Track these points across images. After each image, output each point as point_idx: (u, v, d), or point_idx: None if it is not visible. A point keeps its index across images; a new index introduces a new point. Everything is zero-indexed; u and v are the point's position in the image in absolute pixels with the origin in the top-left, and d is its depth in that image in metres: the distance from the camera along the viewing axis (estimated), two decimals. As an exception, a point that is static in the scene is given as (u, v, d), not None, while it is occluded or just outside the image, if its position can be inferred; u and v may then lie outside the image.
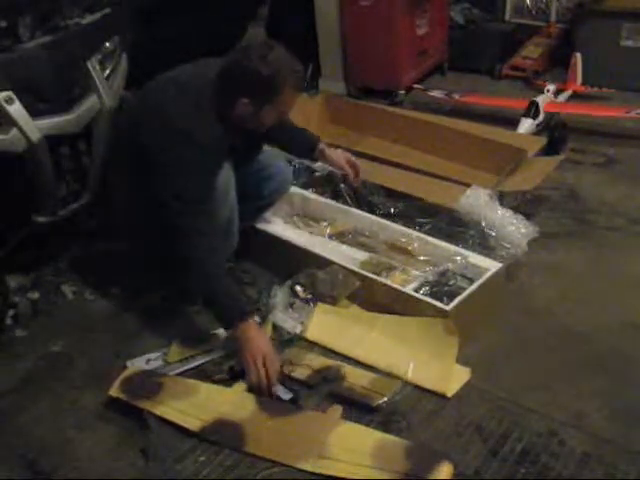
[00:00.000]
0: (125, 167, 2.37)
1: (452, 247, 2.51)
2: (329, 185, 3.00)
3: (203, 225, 2.14)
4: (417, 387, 2.08)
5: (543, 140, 3.34)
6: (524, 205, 2.88)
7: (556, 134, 3.47)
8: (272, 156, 2.65)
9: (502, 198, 2.80)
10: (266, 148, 2.60)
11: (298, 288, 2.38)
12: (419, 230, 2.67)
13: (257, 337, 2.09)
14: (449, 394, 2.06)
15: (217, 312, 2.19)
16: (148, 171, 2.20)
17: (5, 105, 2.29)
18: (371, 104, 3.85)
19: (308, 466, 1.83)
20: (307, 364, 2.17)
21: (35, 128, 2.36)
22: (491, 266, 2.38)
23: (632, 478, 1.78)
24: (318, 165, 3.00)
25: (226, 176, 2.29)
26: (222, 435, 1.94)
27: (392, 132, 3.43)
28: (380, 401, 2.01)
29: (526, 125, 3.56)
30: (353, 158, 2.62)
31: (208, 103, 2.17)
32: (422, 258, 2.50)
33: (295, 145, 2.69)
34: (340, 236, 2.68)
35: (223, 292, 2.14)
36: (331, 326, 2.32)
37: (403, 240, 2.56)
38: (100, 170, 2.66)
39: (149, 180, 2.21)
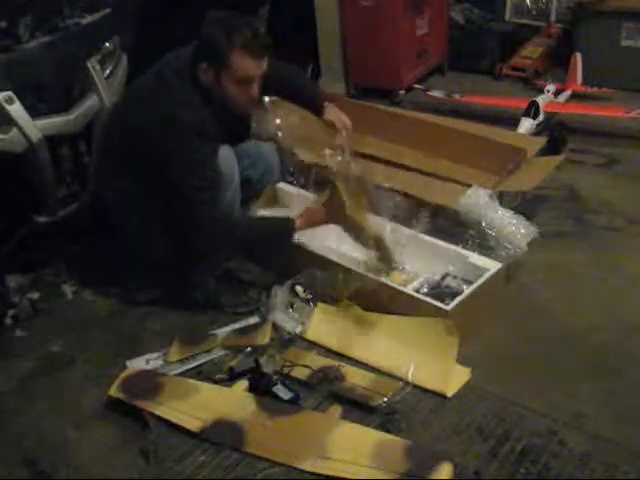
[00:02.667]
0: (121, 168, 2.38)
1: (452, 247, 2.51)
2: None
3: (218, 210, 2.26)
4: (417, 387, 2.08)
5: (543, 140, 3.34)
6: (524, 205, 2.88)
7: (556, 134, 3.47)
8: (258, 144, 2.68)
9: (502, 198, 2.79)
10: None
11: (298, 288, 2.38)
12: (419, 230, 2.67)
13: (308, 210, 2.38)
14: (449, 394, 2.06)
15: (276, 244, 2.42)
16: (148, 168, 2.25)
17: (5, 105, 2.29)
18: (371, 104, 3.85)
19: (308, 466, 1.83)
20: (307, 364, 2.17)
21: (35, 128, 2.36)
22: (491, 266, 2.38)
23: (632, 478, 1.78)
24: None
25: (229, 159, 2.33)
26: (222, 435, 1.94)
27: (392, 132, 3.42)
28: (380, 401, 2.01)
29: (526, 125, 3.55)
30: (345, 119, 2.65)
31: (185, 83, 2.25)
32: (422, 259, 2.50)
33: (299, 99, 2.72)
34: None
35: (262, 231, 2.38)
36: (331, 326, 2.32)
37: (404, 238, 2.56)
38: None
39: (149, 177, 2.26)
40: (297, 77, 2.73)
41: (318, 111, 2.63)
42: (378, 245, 2.39)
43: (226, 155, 2.32)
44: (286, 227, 2.35)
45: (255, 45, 2.20)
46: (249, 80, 2.24)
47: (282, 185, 2.88)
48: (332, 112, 2.64)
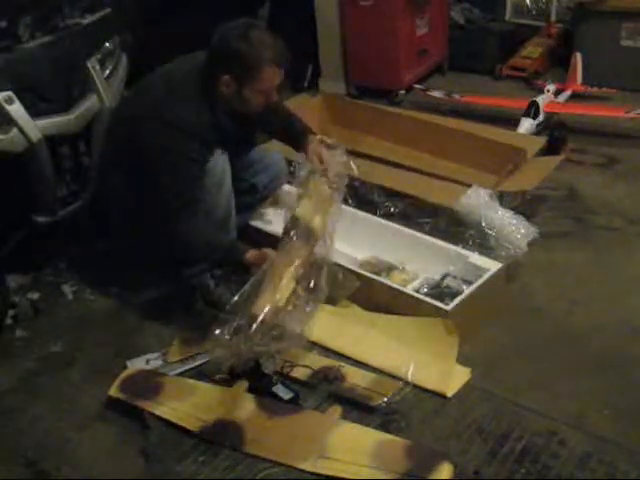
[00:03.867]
0: (120, 165, 2.39)
1: (452, 247, 2.51)
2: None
3: (199, 221, 2.24)
4: (417, 387, 2.08)
5: (543, 140, 3.35)
6: (524, 205, 2.88)
7: (556, 134, 3.47)
8: (266, 152, 2.68)
9: (502, 198, 2.80)
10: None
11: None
12: (419, 230, 2.67)
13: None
14: (449, 394, 2.06)
15: (226, 263, 2.41)
16: (142, 170, 2.26)
17: (5, 105, 2.29)
18: (371, 104, 3.85)
19: (308, 466, 1.83)
20: (307, 364, 2.17)
21: (35, 128, 2.36)
22: (491, 266, 2.38)
23: (632, 478, 1.78)
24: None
25: (221, 165, 2.32)
26: (222, 435, 1.94)
27: (392, 132, 3.43)
28: (380, 401, 2.01)
29: (526, 125, 3.56)
30: (323, 152, 2.42)
31: (194, 87, 2.25)
32: (422, 259, 2.50)
33: (286, 137, 2.62)
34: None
35: (216, 251, 2.33)
36: (331, 326, 2.32)
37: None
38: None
39: (143, 180, 2.26)
40: (289, 113, 2.62)
41: (301, 145, 2.48)
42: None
43: (218, 159, 2.31)
44: (234, 255, 2.31)
45: (281, 56, 2.23)
46: (273, 88, 2.27)
47: (285, 187, 2.88)
48: (314, 149, 2.43)
